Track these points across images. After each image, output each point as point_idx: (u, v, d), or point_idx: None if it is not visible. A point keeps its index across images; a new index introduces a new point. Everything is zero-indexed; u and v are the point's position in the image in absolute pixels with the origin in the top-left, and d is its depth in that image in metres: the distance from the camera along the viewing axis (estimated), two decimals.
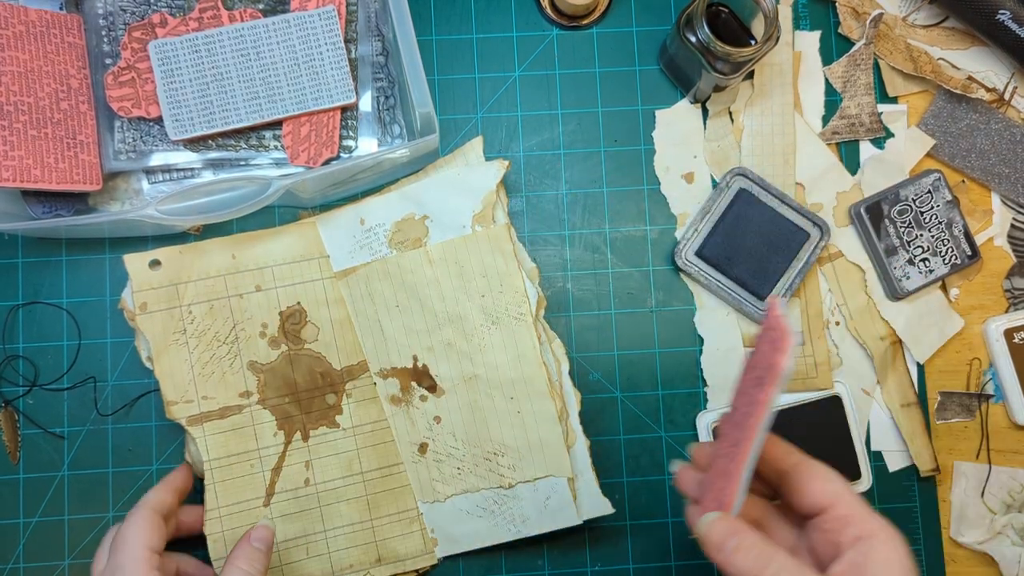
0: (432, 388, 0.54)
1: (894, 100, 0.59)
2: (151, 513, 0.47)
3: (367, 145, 0.55)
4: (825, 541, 0.38)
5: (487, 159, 0.55)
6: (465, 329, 0.54)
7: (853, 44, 0.58)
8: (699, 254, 0.56)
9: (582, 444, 0.54)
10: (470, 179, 0.54)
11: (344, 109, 0.55)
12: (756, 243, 0.56)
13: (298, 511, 0.53)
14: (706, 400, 0.57)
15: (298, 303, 0.54)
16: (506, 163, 0.54)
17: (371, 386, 0.55)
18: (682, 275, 0.57)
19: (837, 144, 0.58)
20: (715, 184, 0.57)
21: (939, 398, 0.57)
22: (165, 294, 0.53)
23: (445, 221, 0.54)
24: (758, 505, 0.43)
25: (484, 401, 0.54)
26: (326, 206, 0.56)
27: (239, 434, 0.53)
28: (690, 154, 0.58)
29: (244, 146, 0.55)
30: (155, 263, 0.53)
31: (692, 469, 0.45)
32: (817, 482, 0.40)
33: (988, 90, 0.58)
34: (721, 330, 0.57)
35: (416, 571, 0.55)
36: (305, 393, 0.54)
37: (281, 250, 0.55)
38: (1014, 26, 0.55)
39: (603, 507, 0.53)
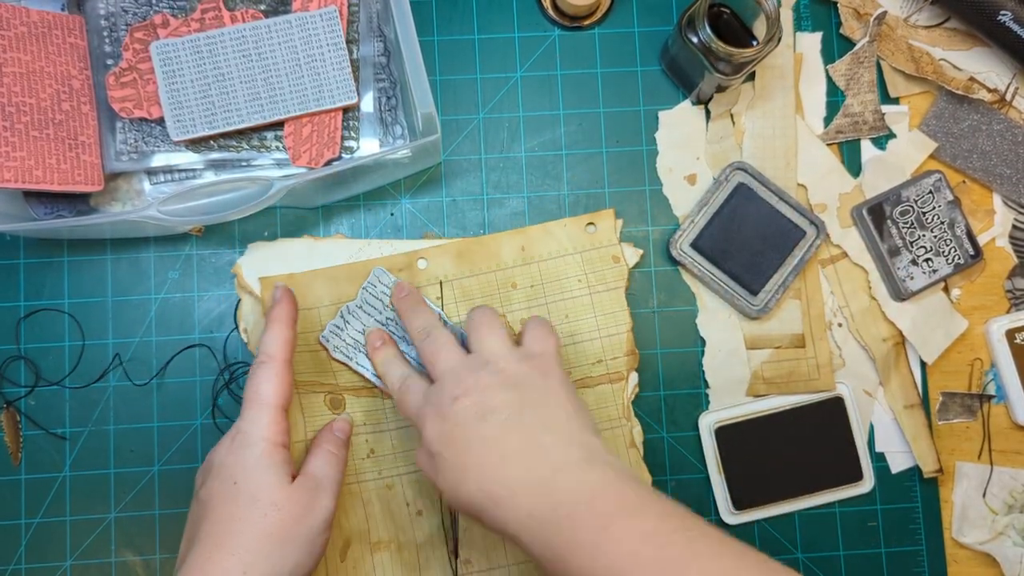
0: None
1: (896, 101, 0.59)
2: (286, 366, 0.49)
3: (369, 146, 0.55)
4: None
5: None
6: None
7: (854, 45, 0.58)
8: (694, 246, 0.56)
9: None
10: None
11: (346, 110, 0.55)
12: (751, 238, 0.56)
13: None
14: (708, 401, 0.57)
15: None
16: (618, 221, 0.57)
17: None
18: (680, 271, 0.57)
19: (839, 145, 0.58)
20: None
21: (941, 399, 0.57)
22: None
23: None
24: None
25: None
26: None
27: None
28: (692, 156, 0.58)
29: (246, 147, 0.55)
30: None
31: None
32: None
33: (990, 91, 0.58)
34: (723, 331, 0.57)
35: None
36: None
37: None
38: (1015, 27, 0.55)
39: None
